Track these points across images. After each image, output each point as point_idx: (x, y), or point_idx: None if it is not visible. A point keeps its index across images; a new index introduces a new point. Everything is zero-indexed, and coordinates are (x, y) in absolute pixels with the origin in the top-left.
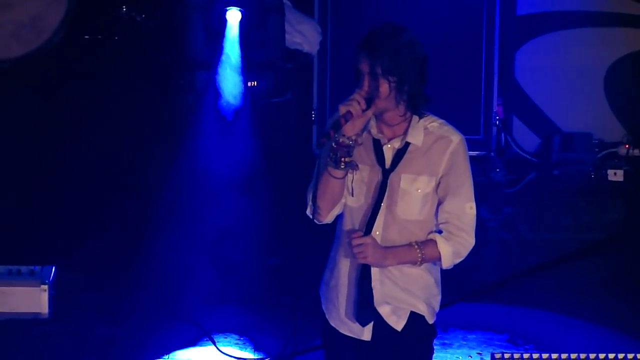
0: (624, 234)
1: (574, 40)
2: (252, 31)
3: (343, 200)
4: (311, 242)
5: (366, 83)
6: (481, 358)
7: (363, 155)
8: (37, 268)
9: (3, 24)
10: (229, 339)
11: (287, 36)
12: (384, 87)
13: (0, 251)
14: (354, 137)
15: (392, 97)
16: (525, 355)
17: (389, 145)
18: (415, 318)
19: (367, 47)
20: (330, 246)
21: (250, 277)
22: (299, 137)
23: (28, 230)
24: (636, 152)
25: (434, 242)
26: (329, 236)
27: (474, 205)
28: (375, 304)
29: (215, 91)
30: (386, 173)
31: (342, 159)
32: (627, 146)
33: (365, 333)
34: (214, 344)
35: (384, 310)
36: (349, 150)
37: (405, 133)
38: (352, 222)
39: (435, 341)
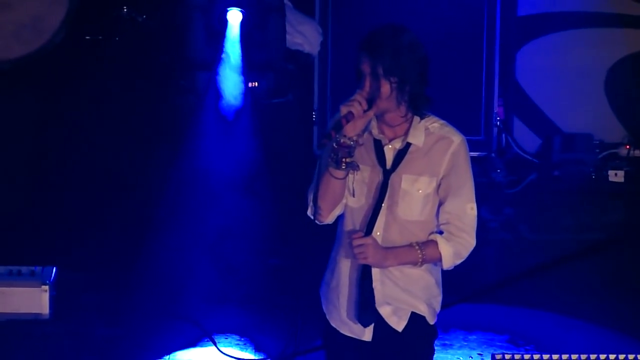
0: (624, 235)
1: (574, 40)
2: (253, 32)
3: (344, 201)
4: (312, 242)
5: (367, 84)
6: (482, 359)
7: (364, 155)
8: (38, 269)
9: (3, 24)
10: (229, 339)
11: (287, 37)
12: (385, 87)
13: (1, 252)
14: (355, 138)
15: (393, 97)
16: (526, 356)
17: (390, 146)
18: (416, 319)
19: (368, 47)
20: (331, 247)
21: (251, 278)
22: (300, 137)
23: (28, 231)
24: (637, 153)
25: (434, 242)
26: (329, 237)
27: (474, 205)
28: (376, 305)
29: (216, 92)
30: (387, 173)
31: (343, 160)
32: (627, 147)
33: (366, 334)
34: (215, 344)
35: (384, 311)
36: (350, 150)
37: (406, 134)
38: (353, 222)
39: (436, 342)
